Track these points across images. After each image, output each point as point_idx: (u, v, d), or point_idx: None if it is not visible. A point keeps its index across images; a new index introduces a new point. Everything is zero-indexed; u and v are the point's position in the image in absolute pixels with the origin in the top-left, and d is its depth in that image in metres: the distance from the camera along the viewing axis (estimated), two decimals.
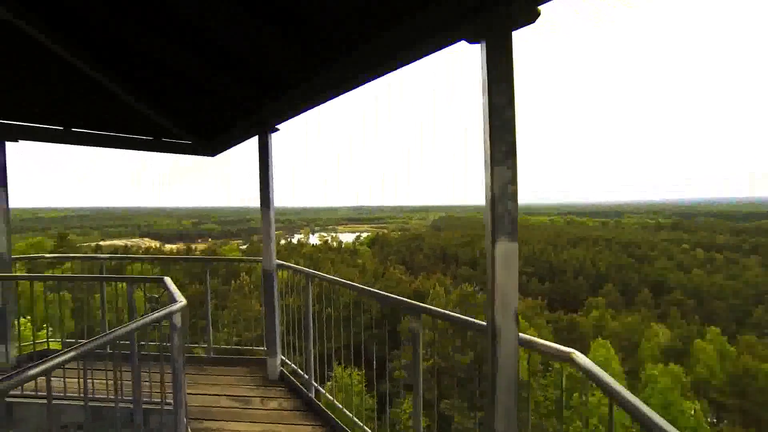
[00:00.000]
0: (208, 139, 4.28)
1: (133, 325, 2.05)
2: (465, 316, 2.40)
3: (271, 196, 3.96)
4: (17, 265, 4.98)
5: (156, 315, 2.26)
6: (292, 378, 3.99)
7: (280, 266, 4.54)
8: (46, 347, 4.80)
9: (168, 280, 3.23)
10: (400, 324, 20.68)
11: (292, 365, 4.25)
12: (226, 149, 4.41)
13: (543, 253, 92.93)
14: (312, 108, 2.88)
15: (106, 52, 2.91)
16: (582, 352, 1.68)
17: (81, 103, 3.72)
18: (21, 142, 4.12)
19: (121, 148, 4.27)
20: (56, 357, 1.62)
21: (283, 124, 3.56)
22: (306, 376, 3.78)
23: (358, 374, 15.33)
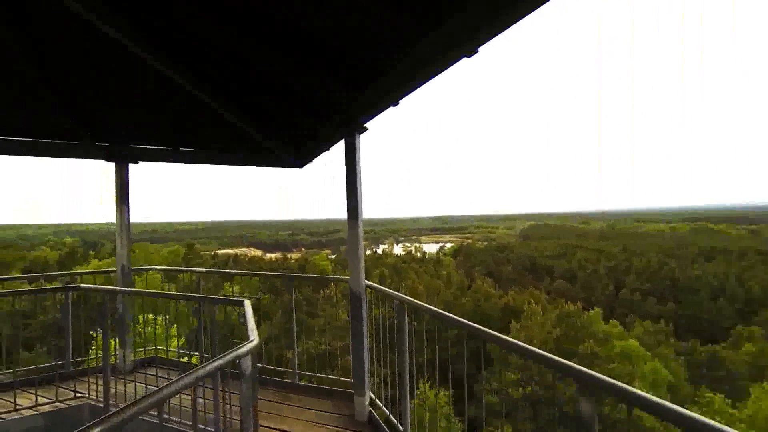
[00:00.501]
0: (296, 148, 4.26)
1: (208, 368, 1.85)
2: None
3: (359, 206, 3.57)
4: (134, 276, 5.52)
5: (223, 360, 2.01)
6: (384, 426, 3.43)
7: (369, 287, 3.97)
8: (154, 354, 5.21)
9: (247, 305, 3.00)
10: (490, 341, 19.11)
11: (383, 408, 3.70)
12: (312, 159, 4.34)
13: (662, 267, 78.29)
14: (410, 92, 2.39)
15: (200, 63, 2.97)
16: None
17: (185, 123, 4.01)
18: (141, 163, 4.65)
19: (219, 164, 4.53)
20: (170, 385, 1.59)
21: (372, 121, 3.19)
22: (401, 429, 3.18)
23: (445, 394, 14.42)
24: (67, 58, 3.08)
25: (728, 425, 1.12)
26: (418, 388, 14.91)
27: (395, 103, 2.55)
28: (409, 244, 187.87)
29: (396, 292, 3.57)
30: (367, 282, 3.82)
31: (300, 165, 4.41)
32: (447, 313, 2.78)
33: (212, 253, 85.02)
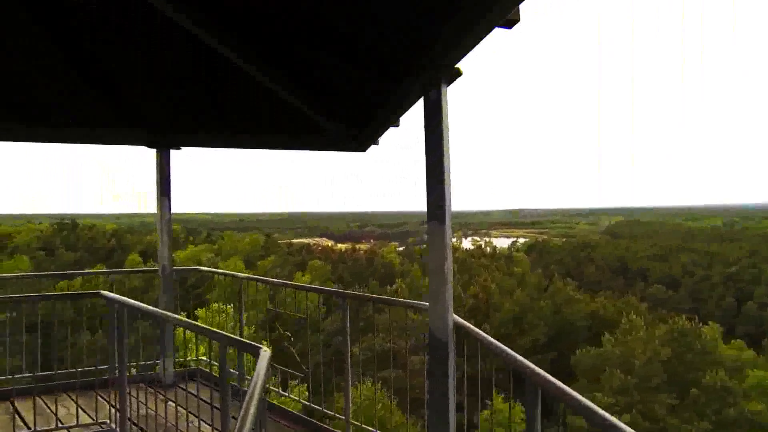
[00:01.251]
0: (356, 125, 3.53)
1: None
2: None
3: (446, 201, 2.28)
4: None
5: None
6: None
7: (460, 327, 2.46)
8: (195, 366, 4.89)
9: (263, 359, 1.92)
10: (575, 353, 16.78)
11: None
12: (376, 138, 3.55)
13: None
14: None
15: (244, 28, 2.41)
16: None
17: (230, 101, 3.57)
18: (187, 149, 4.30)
19: (269, 147, 4.03)
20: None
21: (465, 60, 2.05)
22: None
23: (521, 409, 12.93)
24: (100, 34, 2.78)
25: None
26: (489, 400, 13.67)
27: (503, 23, 1.56)
28: (478, 238, 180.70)
29: (500, 345, 2.15)
30: (458, 319, 2.45)
31: (362, 147, 3.70)
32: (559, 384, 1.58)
33: (288, 242, 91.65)
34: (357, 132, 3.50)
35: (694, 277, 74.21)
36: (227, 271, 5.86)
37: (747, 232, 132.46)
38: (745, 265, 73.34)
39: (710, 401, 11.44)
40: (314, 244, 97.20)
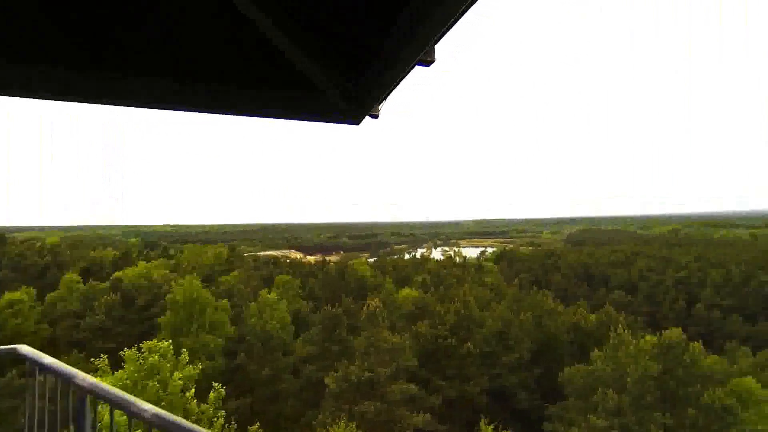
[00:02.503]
0: (350, 78, 2.16)
1: None
2: None
3: None
4: None
5: None
6: None
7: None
8: None
9: None
10: (560, 369, 15.99)
11: None
12: (375, 102, 2.19)
13: (748, 280, 67.90)
14: None
15: None
16: None
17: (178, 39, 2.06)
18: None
19: (237, 112, 2.50)
20: None
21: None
22: None
23: None
24: None
25: None
26: (479, 429, 12.42)
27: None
28: (448, 248, 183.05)
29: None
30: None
31: (357, 117, 2.33)
32: None
33: (255, 255, 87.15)
34: (352, 91, 2.12)
35: (649, 281, 78.24)
36: (57, 364, 2.37)
37: (691, 238, 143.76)
38: (693, 269, 78.44)
39: (710, 422, 10.91)
40: (283, 257, 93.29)
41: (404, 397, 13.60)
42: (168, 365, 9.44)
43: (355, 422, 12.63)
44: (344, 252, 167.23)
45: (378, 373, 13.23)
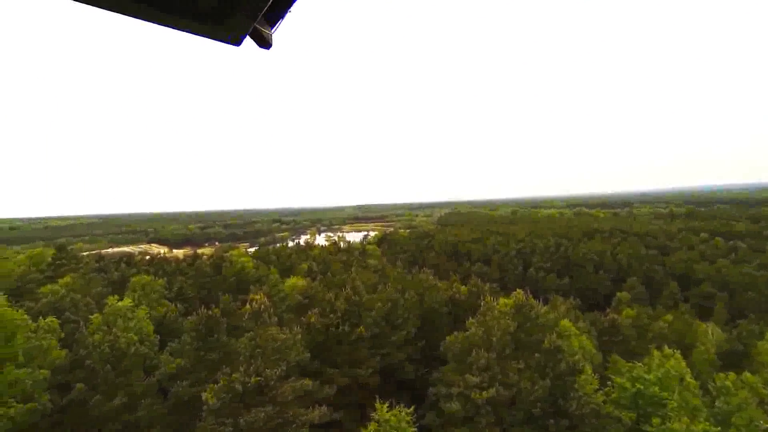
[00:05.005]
0: None
1: None
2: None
3: None
4: None
5: None
6: None
7: None
8: None
9: None
10: (442, 339, 17.74)
11: None
12: (254, 10, 1.50)
13: (559, 247, 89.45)
14: None
15: None
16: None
17: None
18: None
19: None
20: None
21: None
22: None
23: (407, 412, 12.49)
24: None
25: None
26: (374, 410, 12.70)
27: None
28: (332, 234, 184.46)
29: None
30: None
31: (235, 40, 1.54)
32: None
33: (96, 253, 70.18)
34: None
35: (499, 253, 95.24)
36: None
37: (523, 217, 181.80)
38: (527, 241, 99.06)
39: (548, 360, 13.78)
40: (140, 254, 77.82)
41: (298, 395, 12.87)
42: None
43: None
44: (219, 243, 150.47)
45: (267, 376, 12.08)
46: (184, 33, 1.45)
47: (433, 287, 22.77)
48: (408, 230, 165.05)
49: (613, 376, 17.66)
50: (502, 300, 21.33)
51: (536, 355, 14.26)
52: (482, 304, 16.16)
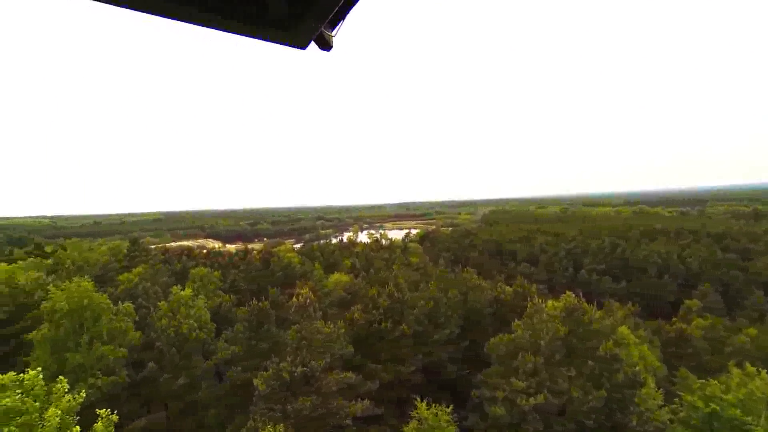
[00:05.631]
0: None
1: None
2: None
3: None
4: None
5: None
6: None
7: None
8: None
9: None
10: (487, 340, 17.24)
11: None
12: (322, 15, 1.57)
13: (615, 248, 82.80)
14: None
15: None
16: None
17: None
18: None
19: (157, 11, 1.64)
20: None
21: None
22: None
23: (445, 411, 12.33)
24: None
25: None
26: (413, 408, 12.70)
27: None
28: (374, 231, 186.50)
29: None
30: None
31: (303, 43, 1.62)
32: None
33: (163, 247, 77.18)
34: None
35: (548, 253, 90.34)
36: None
37: (574, 216, 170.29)
38: (578, 241, 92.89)
39: (603, 369, 12.84)
40: (198, 248, 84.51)
41: (341, 387, 13.24)
42: (36, 404, 7.26)
43: (291, 421, 11.89)
44: (267, 239, 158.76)
45: (312, 367, 12.56)
46: (254, 39, 1.56)
47: (476, 287, 22.19)
48: (450, 228, 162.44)
49: (681, 393, 16.01)
50: (550, 302, 20.23)
51: (590, 362, 13.35)
52: (529, 305, 15.44)
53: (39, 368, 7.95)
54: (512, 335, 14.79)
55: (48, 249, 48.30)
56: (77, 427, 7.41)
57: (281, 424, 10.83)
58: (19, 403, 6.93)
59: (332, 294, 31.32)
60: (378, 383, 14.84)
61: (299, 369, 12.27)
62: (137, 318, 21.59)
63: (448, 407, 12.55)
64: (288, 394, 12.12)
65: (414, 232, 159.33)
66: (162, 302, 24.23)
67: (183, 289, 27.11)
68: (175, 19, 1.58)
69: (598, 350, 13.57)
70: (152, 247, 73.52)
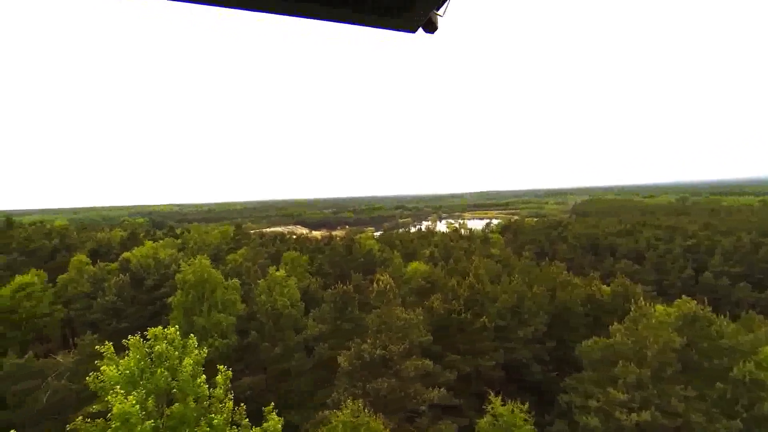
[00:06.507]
0: None
1: None
2: None
3: None
4: None
5: None
6: None
7: None
8: None
9: None
10: (576, 341, 15.75)
11: None
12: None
13: (758, 248, 67.14)
14: None
15: None
16: None
17: None
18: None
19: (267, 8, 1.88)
20: None
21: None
22: None
23: (521, 410, 11.66)
24: None
25: None
26: (488, 402, 12.30)
27: None
28: (453, 221, 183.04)
29: None
30: None
31: (412, 19, 1.69)
32: None
33: (260, 232, 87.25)
34: None
35: (657, 250, 77.59)
36: None
37: (697, 206, 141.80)
38: (702, 237, 77.59)
39: (738, 395, 10.64)
40: (289, 233, 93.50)
41: (419, 373, 13.50)
42: (176, 353, 9.25)
43: (369, 399, 12.59)
44: (349, 226, 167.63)
45: (391, 351, 13.04)
46: (361, 27, 1.61)
47: (566, 283, 20.23)
48: (536, 219, 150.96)
49: None
50: (659, 307, 17.43)
51: (718, 384, 11.17)
52: (632, 308, 13.51)
53: (176, 326, 10.03)
54: (610, 340, 13.16)
55: (178, 231, 58.48)
56: (203, 376, 9.24)
57: (360, 400, 11.57)
58: (166, 351, 8.95)
59: (411, 282, 31.81)
60: (456, 374, 14.74)
61: (378, 351, 12.86)
62: (242, 292, 25.05)
63: (524, 405, 11.84)
64: (367, 373, 12.86)
65: (495, 222, 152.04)
66: (261, 280, 27.49)
67: (278, 270, 30.41)
68: (275, 13, 1.69)
69: (730, 371, 11.26)
70: (251, 231, 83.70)
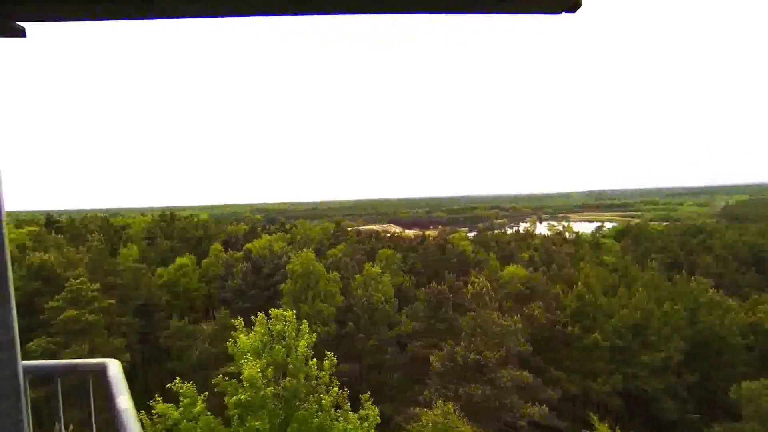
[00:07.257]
0: None
1: None
2: None
3: None
4: None
5: None
6: None
7: None
8: None
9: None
10: (734, 381, 12.62)
11: None
12: None
13: None
14: None
15: None
16: None
17: None
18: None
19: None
20: None
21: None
22: None
23: None
24: None
25: None
26: (593, 428, 10.65)
27: None
28: (555, 223, 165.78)
29: None
30: None
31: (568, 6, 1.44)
32: None
33: (356, 229, 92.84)
34: None
35: None
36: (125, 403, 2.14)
37: None
38: None
39: None
40: (383, 231, 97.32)
41: (516, 384, 12.51)
42: (293, 333, 10.62)
43: (461, 403, 12.19)
44: (442, 226, 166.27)
45: (486, 357, 12.37)
46: (499, 15, 1.44)
47: (713, 303, 16.25)
48: (665, 223, 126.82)
49: None
50: None
51: None
52: None
53: (293, 310, 11.57)
54: None
55: (288, 227, 66.19)
56: (314, 360, 10.52)
57: (451, 403, 11.30)
58: (284, 330, 10.41)
59: (508, 286, 29.90)
60: (560, 393, 13.21)
61: (472, 356, 12.34)
62: (341, 285, 27.10)
63: None
64: (460, 377, 12.45)
65: (609, 225, 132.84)
66: (358, 275, 29.18)
67: (373, 266, 31.92)
68: (389, 13, 1.63)
69: None
70: (349, 229, 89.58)
